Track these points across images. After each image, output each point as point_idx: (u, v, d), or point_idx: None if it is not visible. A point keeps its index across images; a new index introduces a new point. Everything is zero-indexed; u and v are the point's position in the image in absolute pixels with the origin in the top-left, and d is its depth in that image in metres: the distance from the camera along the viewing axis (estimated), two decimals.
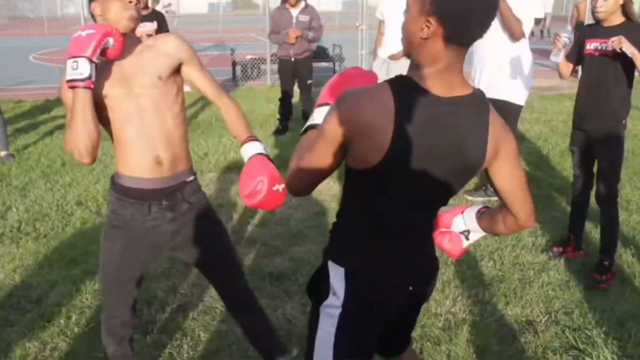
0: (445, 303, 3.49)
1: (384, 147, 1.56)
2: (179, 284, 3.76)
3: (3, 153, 6.53)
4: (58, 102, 10.08)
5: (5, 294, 3.68)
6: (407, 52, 1.65)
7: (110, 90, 2.16)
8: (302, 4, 6.98)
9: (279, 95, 7.48)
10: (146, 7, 6.81)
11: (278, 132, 7.32)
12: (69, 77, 2.02)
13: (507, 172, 1.73)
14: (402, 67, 2.93)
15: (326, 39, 8.75)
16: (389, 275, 1.76)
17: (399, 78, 1.61)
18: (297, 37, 6.90)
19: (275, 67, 8.23)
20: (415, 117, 1.56)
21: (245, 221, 4.71)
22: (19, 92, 11.14)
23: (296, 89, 7.48)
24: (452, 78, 1.60)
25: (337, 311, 1.75)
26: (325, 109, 1.78)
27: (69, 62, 2.01)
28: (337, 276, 1.75)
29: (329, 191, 5.31)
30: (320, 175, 1.71)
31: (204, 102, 9.69)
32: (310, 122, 1.85)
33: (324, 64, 12.53)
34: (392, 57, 5.89)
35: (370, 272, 1.74)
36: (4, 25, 28.30)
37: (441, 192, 1.73)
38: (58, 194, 5.34)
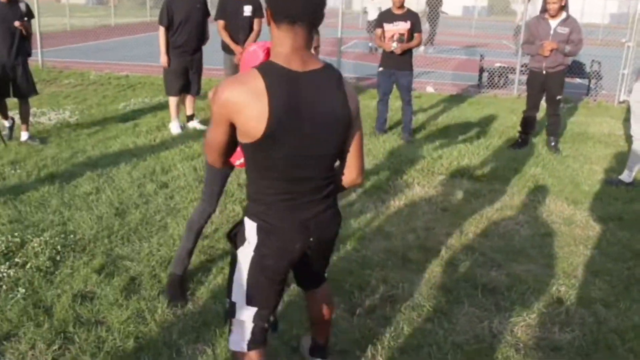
0: None
1: (263, 119, 1.93)
2: (393, 276, 3.86)
3: None
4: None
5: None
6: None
7: None
8: (563, 15, 6.62)
9: (524, 107, 7.22)
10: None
11: (517, 145, 7.07)
12: None
13: (357, 131, 2.16)
14: None
15: (585, 54, 8.20)
16: (291, 229, 2.14)
17: (264, 63, 2.03)
18: (552, 50, 6.58)
19: (524, 77, 7.93)
20: (282, 91, 1.95)
21: (468, 229, 4.65)
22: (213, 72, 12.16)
23: (543, 103, 7.15)
24: (304, 56, 2.01)
25: (250, 255, 2.16)
26: None
27: None
28: (250, 229, 2.15)
29: (562, 214, 5.02)
30: (220, 149, 2.13)
31: (444, 104, 9.72)
32: None
33: (578, 81, 11.78)
34: None
35: (275, 227, 2.13)
36: None
37: (323, 149, 2.09)
38: None
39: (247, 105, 1.94)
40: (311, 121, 2.01)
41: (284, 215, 2.13)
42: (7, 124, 6.76)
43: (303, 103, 1.99)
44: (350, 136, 2.16)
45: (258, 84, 1.94)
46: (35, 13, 12.31)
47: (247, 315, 2.23)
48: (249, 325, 2.25)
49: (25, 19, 6.41)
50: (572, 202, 5.29)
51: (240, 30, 7.11)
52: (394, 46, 6.98)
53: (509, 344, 3.19)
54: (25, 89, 6.58)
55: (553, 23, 6.64)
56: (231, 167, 3.07)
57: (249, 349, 2.28)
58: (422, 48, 16.76)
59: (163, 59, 7.06)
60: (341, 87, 2.09)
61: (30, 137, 6.66)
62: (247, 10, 7.05)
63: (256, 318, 2.24)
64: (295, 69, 1.99)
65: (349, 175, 2.25)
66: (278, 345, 3.09)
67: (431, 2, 16.44)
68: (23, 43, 6.45)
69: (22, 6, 6.43)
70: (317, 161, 2.10)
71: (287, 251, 2.18)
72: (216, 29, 7.35)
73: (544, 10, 6.76)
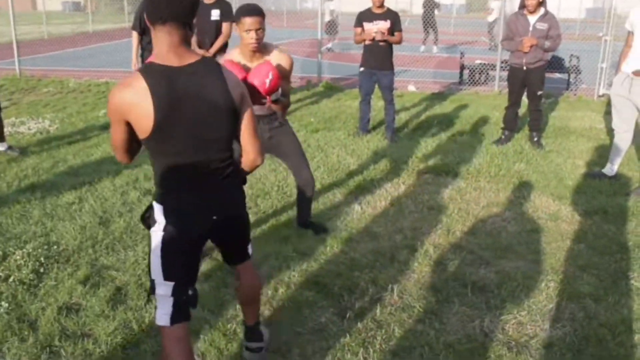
0: None
1: (151, 115, 2.15)
2: (381, 277, 3.84)
3: None
4: (299, 90, 10.81)
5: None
6: None
7: None
8: (542, 11, 6.64)
9: (506, 103, 7.24)
10: None
11: (500, 141, 7.09)
12: None
13: (245, 115, 2.36)
14: None
15: (563, 48, 8.25)
16: (193, 209, 2.36)
17: (145, 64, 2.26)
18: (532, 46, 6.61)
19: (505, 74, 7.96)
20: (163, 87, 2.16)
21: (455, 227, 4.65)
22: None
23: (524, 99, 7.18)
24: (181, 52, 2.23)
25: (160, 235, 2.34)
26: None
27: None
28: (158, 211, 2.35)
29: (547, 209, 5.04)
30: (123, 147, 2.36)
31: (426, 103, 9.73)
32: None
33: (557, 75, 11.86)
34: (637, 73, 5.40)
35: (179, 208, 2.35)
36: None
37: (213, 133, 2.29)
38: (280, 175, 5.73)
39: (135, 105, 2.16)
40: (195, 109, 2.23)
41: (185, 197, 2.36)
42: None
43: (184, 95, 2.20)
44: (239, 120, 2.37)
45: (141, 84, 2.15)
46: (11, 21, 12.19)
47: (165, 290, 2.40)
48: (169, 300, 2.40)
49: None
50: (557, 197, 5.30)
51: (206, 34, 7.06)
52: (374, 30, 6.96)
53: (501, 342, 3.18)
54: None
55: (532, 19, 6.67)
56: None
57: (172, 323, 2.42)
58: (435, 49, 17.40)
59: (134, 64, 7.04)
60: (221, 76, 2.29)
61: (10, 147, 6.46)
62: (215, 14, 7.00)
63: (174, 292, 2.40)
64: (173, 65, 2.21)
65: (247, 157, 2.46)
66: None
67: (426, 5, 16.76)
68: None
69: None
70: (209, 145, 2.31)
71: (191, 229, 2.38)
72: None
73: (522, 6, 6.78)
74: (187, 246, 2.41)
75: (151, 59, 2.27)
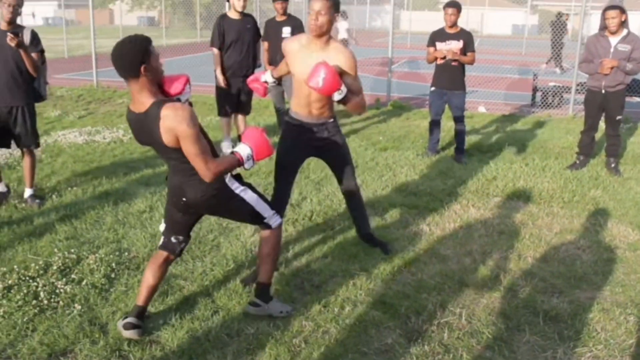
0: None
1: None
2: (450, 300, 3.74)
3: None
4: (368, 108, 10.79)
5: (292, 273, 4.05)
6: None
7: None
8: (624, 32, 6.41)
9: (581, 127, 7.01)
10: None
11: (575, 166, 6.85)
12: None
13: (183, 147, 2.95)
14: None
15: None
16: (171, 190, 3.29)
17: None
18: (612, 68, 6.38)
19: (580, 97, 7.72)
20: (132, 126, 3.11)
21: (527, 253, 4.50)
22: None
23: (601, 123, 6.93)
24: (139, 100, 2.98)
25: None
26: None
27: None
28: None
29: (626, 238, 4.82)
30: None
31: (497, 124, 9.54)
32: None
33: (637, 99, 11.42)
34: None
35: (168, 187, 3.33)
36: None
37: (164, 154, 3.12)
38: None
39: None
40: (150, 140, 3.05)
41: (169, 182, 3.28)
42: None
43: (142, 133, 3.05)
44: (178, 149, 2.98)
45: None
46: (92, 34, 12.71)
47: (162, 228, 3.43)
48: (162, 234, 3.42)
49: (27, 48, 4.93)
50: (637, 227, 5.06)
51: (278, 52, 7.12)
52: (446, 50, 6.88)
53: None
54: (24, 140, 5.21)
55: (613, 40, 6.44)
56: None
57: (158, 248, 3.42)
58: (558, 70, 17.37)
59: (220, 80, 7.09)
60: (157, 122, 2.91)
61: (32, 196, 5.32)
62: (286, 31, 7.04)
63: (165, 232, 3.40)
64: (135, 111, 3.02)
65: (199, 173, 3.03)
66: None
67: (554, 30, 17.23)
68: (27, 82, 5.12)
69: (27, 34, 5.05)
70: (166, 158, 3.16)
71: (173, 203, 3.31)
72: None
73: (603, 27, 6.55)
74: (174, 214, 3.39)
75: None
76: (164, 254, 3.37)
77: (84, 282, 3.81)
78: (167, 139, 2.91)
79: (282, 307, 3.55)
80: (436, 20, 7.59)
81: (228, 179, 3.26)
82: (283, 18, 7.07)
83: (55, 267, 3.98)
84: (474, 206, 5.51)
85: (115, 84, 13.04)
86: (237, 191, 3.28)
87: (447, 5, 6.95)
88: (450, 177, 6.38)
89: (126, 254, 4.28)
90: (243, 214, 3.40)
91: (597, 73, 6.51)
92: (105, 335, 3.26)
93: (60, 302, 3.58)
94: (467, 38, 7.01)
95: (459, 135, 7.21)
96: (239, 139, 7.61)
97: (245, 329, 3.36)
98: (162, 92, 3.07)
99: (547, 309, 3.66)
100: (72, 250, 4.24)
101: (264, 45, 7.20)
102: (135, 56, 2.84)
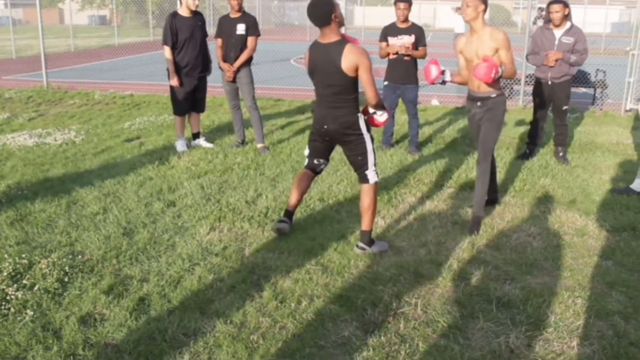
0: None
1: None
2: (405, 291, 3.80)
3: (259, 145, 7.25)
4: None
5: (248, 271, 4.06)
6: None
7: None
8: (568, 25, 6.59)
9: (530, 118, 7.18)
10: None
11: (525, 156, 7.02)
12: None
13: (362, 73, 4.13)
14: None
15: (589, 63, 8.16)
16: (317, 118, 4.37)
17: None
18: (557, 60, 6.55)
19: (530, 88, 7.91)
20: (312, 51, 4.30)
21: (480, 242, 4.60)
22: (279, 91, 12.19)
23: (549, 113, 7.11)
24: (330, 37, 4.16)
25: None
26: None
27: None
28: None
29: (574, 224, 4.96)
30: None
31: (450, 117, 9.67)
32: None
33: (583, 90, 11.74)
34: None
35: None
36: (272, 31, 31.06)
37: (331, 80, 4.19)
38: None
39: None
40: (325, 64, 4.21)
41: (315, 113, 4.43)
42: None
43: (321, 57, 4.23)
44: (351, 77, 4.17)
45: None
46: (40, 34, 12.42)
47: (306, 153, 4.62)
48: (306, 157, 4.63)
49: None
50: (584, 213, 5.23)
51: (232, 49, 7.09)
52: (399, 45, 6.96)
53: (528, 358, 3.12)
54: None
55: (557, 33, 6.62)
56: None
57: (305, 167, 4.65)
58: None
59: (173, 80, 7.03)
60: (341, 52, 4.10)
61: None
62: (241, 28, 7.03)
63: (309, 156, 4.60)
64: (323, 42, 4.22)
65: (370, 96, 4.26)
66: None
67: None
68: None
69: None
70: (328, 85, 4.28)
71: (316, 131, 4.42)
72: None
73: (548, 20, 6.73)
74: (315, 141, 4.51)
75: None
76: (309, 172, 4.62)
77: (36, 287, 3.74)
78: (346, 66, 4.05)
79: (382, 245, 4.42)
80: (389, 15, 7.66)
81: (361, 120, 4.27)
82: (237, 15, 7.03)
83: (5, 273, 3.89)
84: (428, 198, 5.60)
85: (65, 84, 12.79)
86: (364, 131, 4.28)
87: (399, 0, 7.02)
88: (404, 170, 6.46)
89: (80, 257, 4.21)
90: (358, 153, 4.31)
91: (543, 65, 6.69)
92: (59, 341, 3.21)
93: (12, 309, 3.50)
94: (418, 32, 7.10)
95: (413, 128, 7.30)
96: (193, 137, 7.56)
97: (202, 328, 3.35)
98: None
99: (499, 296, 3.75)
100: (24, 255, 4.15)
101: (217, 42, 7.15)
102: (327, 9, 4.08)
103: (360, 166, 4.35)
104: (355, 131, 4.26)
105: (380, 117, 4.35)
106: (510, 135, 8.29)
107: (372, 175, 4.36)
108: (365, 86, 4.12)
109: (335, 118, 4.24)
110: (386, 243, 4.50)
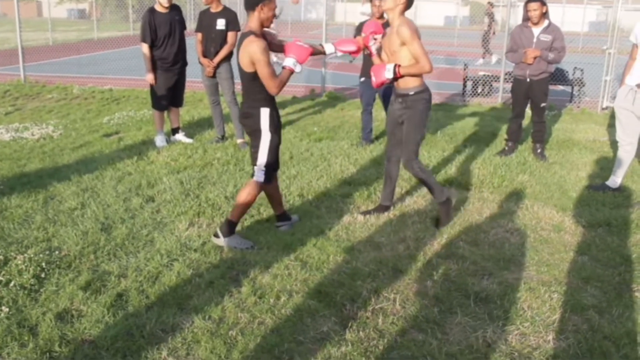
0: None
1: None
2: (384, 287, 3.82)
3: (239, 141, 7.22)
4: (294, 100, 10.81)
5: (227, 267, 4.05)
6: None
7: None
8: (546, 23, 6.65)
9: (509, 114, 7.24)
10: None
11: (504, 152, 7.08)
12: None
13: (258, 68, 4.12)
14: None
15: (566, 61, 8.24)
16: None
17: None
18: (535, 57, 6.61)
19: (509, 85, 7.97)
20: None
21: (458, 237, 4.63)
22: None
23: (528, 111, 7.17)
24: (248, 24, 4.15)
25: None
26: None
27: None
28: None
29: (551, 220, 5.02)
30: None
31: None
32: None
33: (560, 88, 11.87)
34: None
35: None
36: None
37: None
38: (283, 184, 5.73)
39: None
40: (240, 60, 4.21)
41: None
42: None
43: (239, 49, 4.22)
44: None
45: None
46: (17, 27, 12.25)
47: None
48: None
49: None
50: (561, 209, 5.29)
51: (212, 44, 7.06)
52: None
53: (504, 354, 3.15)
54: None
55: (536, 31, 6.68)
56: None
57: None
58: (480, 61, 17.68)
59: (149, 77, 7.00)
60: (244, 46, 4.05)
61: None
62: (221, 23, 6.99)
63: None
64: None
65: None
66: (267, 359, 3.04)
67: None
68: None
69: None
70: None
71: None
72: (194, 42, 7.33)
73: (526, 18, 6.79)
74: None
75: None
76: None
77: (11, 284, 3.69)
78: (241, 60, 4.05)
79: (242, 243, 4.32)
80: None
81: (264, 117, 4.20)
82: (218, 9, 7.00)
83: None
84: (407, 194, 5.63)
85: (43, 78, 12.64)
86: (264, 129, 4.21)
87: None
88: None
89: (57, 252, 4.17)
90: (254, 146, 4.29)
91: (521, 62, 6.75)
92: (35, 337, 3.18)
93: None
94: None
95: None
96: (172, 132, 7.52)
97: (180, 324, 3.33)
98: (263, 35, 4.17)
99: (477, 291, 3.79)
100: None
101: (197, 37, 7.12)
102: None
103: (253, 160, 4.34)
104: (252, 126, 4.24)
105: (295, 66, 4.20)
106: (490, 132, 8.35)
107: (258, 173, 4.29)
108: (263, 80, 4.05)
109: (242, 108, 4.30)
110: (248, 242, 4.38)
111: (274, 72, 4.06)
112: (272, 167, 4.34)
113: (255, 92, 4.17)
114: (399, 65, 4.54)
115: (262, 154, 4.25)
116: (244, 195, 4.31)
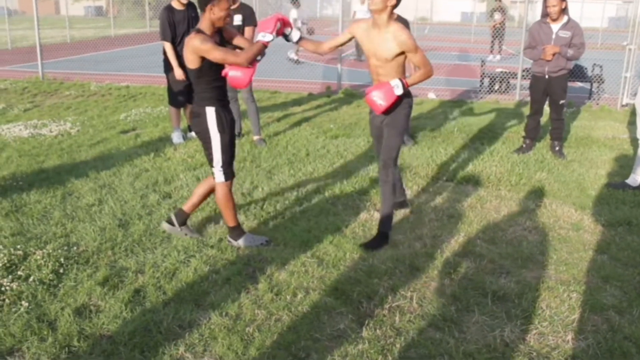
0: None
1: None
2: (401, 285, 3.80)
3: (256, 137, 7.23)
4: (310, 97, 10.81)
5: (244, 263, 4.05)
6: None
7: None
8: (565, 19, 6.58)
9: (527, 112, 7.18)
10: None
11: (521, 150, 7.02)
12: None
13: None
14: None
15: (585, 57, 8.15)
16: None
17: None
18: (554, 54, 6.55)
19: (526, 82, 7.90)
20: None
21: (476, 235, 4.60)
22: (276, 83, 12.16)
23: (546, 108, 7.11)
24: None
25: None
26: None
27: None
28: None
29: (569, 219, 4.97)
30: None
31: (446, 110, 9.69)
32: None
33: (579, 84, 11.75)
34: None
35: None
36: None
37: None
38: (299, 181, 5.72)
39: None
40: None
41: None
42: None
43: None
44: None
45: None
46: (35, 25, 12.35)
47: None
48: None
49: None
50: (580, 207, 5.23)
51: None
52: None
53: (522, 353, 3.13)
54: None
55: (555, 27, 6.61)
56: None
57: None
58: (490, 57, 17.49)
59: (178, 73, 6.98)
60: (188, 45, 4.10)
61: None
62: (237, 19, 7.00)
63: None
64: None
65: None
66: (285, 356, 3.03)
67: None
68: None
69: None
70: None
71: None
72: None
73: (545, 14, 6.72)
74: None
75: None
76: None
77: (31, 279, 3.73)
78: (186, 56, 4.07)
79: (256, 240, 4.34)
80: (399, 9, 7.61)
81: (210, 116, 4.12)
82: (235, 5, 7.01)
83: (0, 265, 3.88)
84: (424, 191, 5.60)
85: (61, 75, 12.74)
86: (210, 127, 4.13)
87: None
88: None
89: (75, 248, 4.20)
90: (206, 148, 4.21)
91: (540, 59, 6.68)
92: (54, 332, 3.20)
93: (6, 300, 3.49)
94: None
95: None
96: (189, 129, 7.55)
97: (197, 320, 3.34)
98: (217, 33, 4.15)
99: (495, 289, 3.76)
100: (19, 247, 4.14)
101: None
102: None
103: (209, 161, 4.26)
104: (200, 126, 4.17)
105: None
106: (507, 129, 8.28)
107: (218, 174, 4.21)
108: (225, 63, 4.04)
109: (192, 108, 4.28)
110: (261, 237, 4.39)
111: (228, 50, 4.01)
112: (229, 162, 4.24)
113: (201, 90, 4.14)
114: (404, 78, 4.35)
115: (216, 155, 4.16)
116: (220, 202, 4.27)
